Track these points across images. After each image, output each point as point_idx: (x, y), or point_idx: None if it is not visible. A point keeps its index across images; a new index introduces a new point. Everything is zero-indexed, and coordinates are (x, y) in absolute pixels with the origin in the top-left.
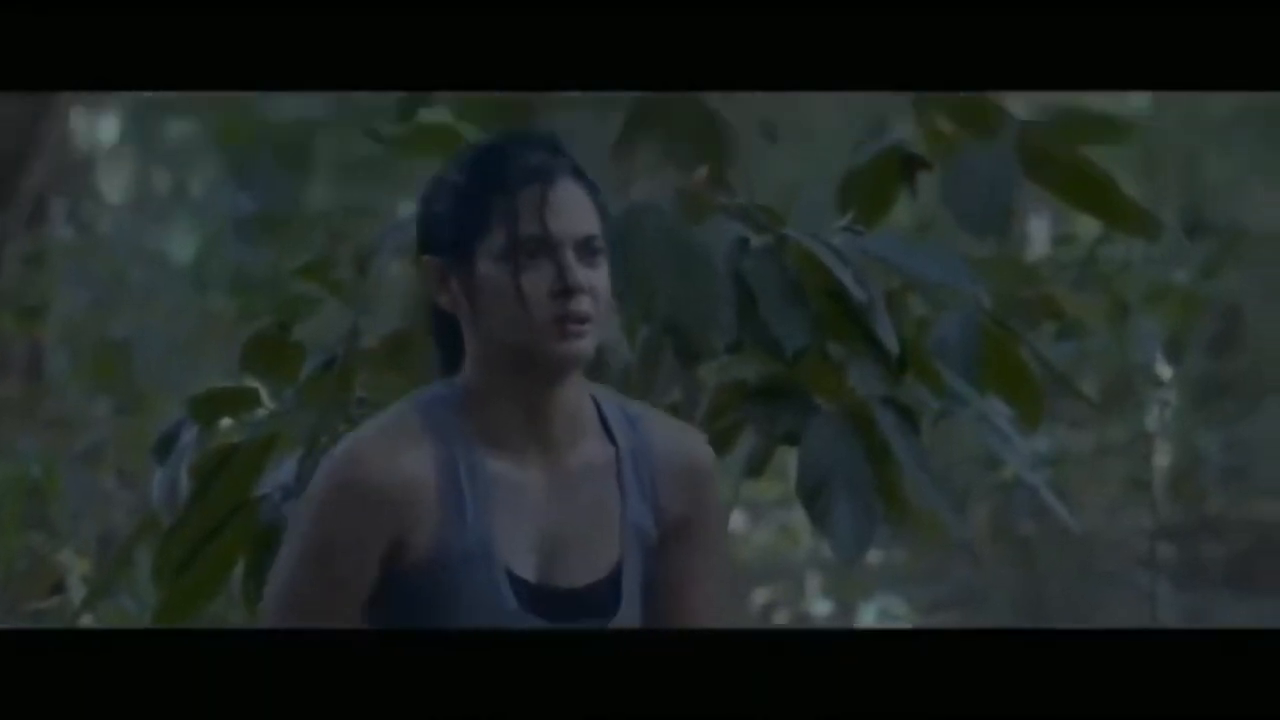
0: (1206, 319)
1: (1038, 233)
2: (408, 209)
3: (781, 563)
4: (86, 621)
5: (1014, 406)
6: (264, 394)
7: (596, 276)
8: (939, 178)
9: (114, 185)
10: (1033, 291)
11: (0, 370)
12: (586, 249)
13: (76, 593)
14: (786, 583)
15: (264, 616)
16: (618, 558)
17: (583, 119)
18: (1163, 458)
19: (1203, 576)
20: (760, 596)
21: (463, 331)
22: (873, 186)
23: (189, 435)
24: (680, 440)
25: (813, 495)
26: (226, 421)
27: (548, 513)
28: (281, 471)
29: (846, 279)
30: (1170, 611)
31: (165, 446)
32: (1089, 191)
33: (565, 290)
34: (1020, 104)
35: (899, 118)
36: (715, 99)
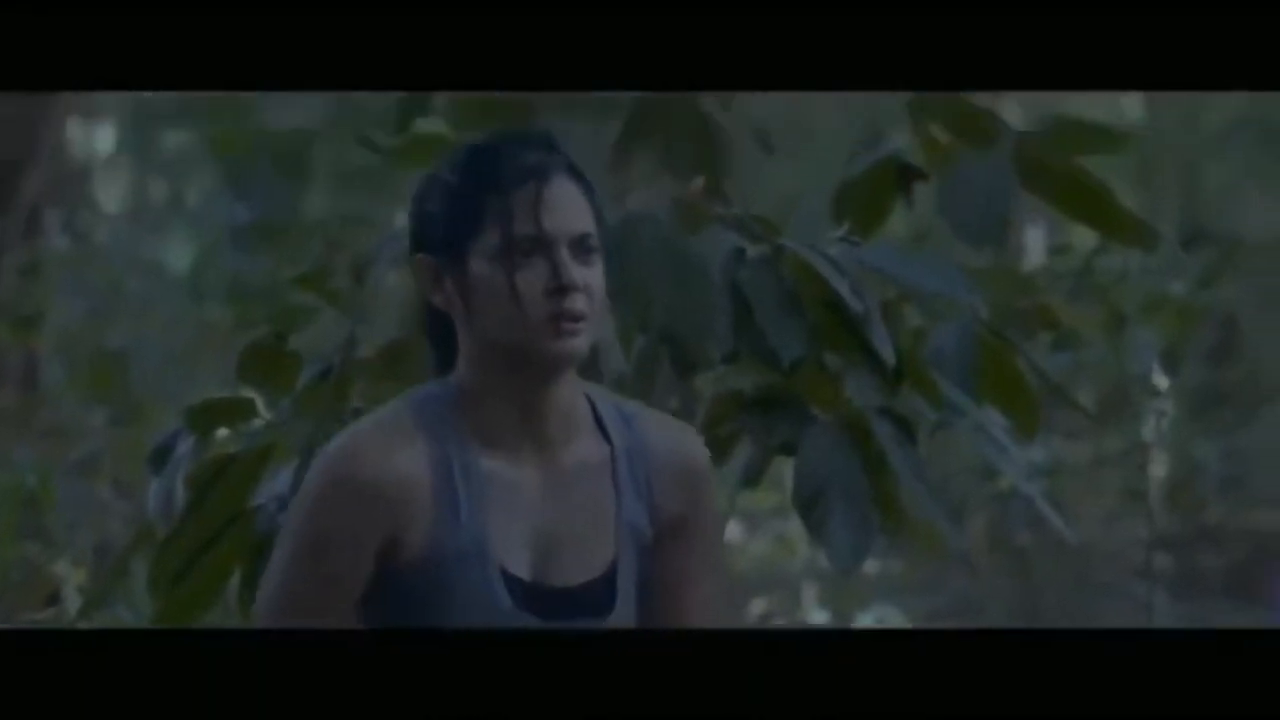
0: (1203, 329)
1: (1034, 243)
2: (405, 219)
3: (778, 573)
4: None
5: (1010, 417)
6: (260, 404)
7: (591, 275)
8: (935, 188)
9: (110, 195)
10: (1029, 302)
11: None
12: (581, 247)
13: (72, 603)
14: (783, 593)
15: (258, 613)
16: (613, 556)
17: (579, 128)
18: (1159, 468)
19: (1200, 587)
20: (757, 607)
21: (457, 330)
22: (869, 196)
23: (185, 445)
24: (676, 439)
25: (809, 505)
26: (223, 432)
27: (542, 511)
28: (278, 482)
29: (843, 289)
30: (1167, 622)
31: (161, 457)
32: (1085, 202)
33: (560, 288)
34: (1016, 114)
35: (895, 128)
36: (712, 108)
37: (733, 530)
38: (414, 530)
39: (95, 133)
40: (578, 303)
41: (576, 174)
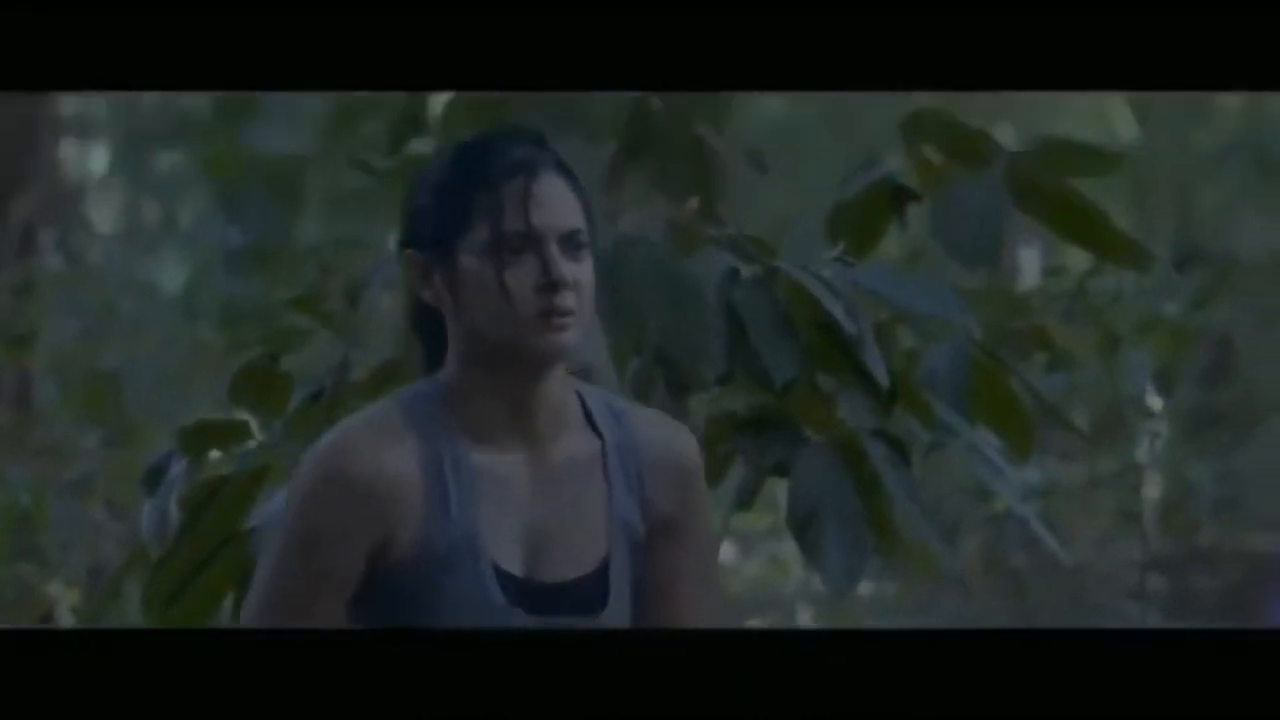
0: (1197, 350)
1: (1028, 264)
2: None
3: (772, 594)
4: None
5: (1004, 438)
6: (254, 426)
7: (581, 270)
8: (929, 209)
9: (104, 215)
10: (1023, 323)
11: None
12: (571, 243)
13: (65, 623)
14: (777, 614)
15: (248, 611)
16: (605, 552)
17: (573, 147)
18: (1154, 489)
19: (1194, 609)
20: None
21: (446, 326)
22: (862, 218)
23: (178, 467)
24: (667, 435)
25: (803, 527)
26: (216, 453)
27: (533, 507)
28: (271, 503)
29: (836, 311)
30: None
31: (155, 478)
32: (1079, 223)
33: (550, 284)
34: (1009, 134)
35: (889, 149)
36: (705, 130)
37: (727, 552)
38: (405, 528)
39: (89, 153)
40: (567, 299)
41: (566, 170)
